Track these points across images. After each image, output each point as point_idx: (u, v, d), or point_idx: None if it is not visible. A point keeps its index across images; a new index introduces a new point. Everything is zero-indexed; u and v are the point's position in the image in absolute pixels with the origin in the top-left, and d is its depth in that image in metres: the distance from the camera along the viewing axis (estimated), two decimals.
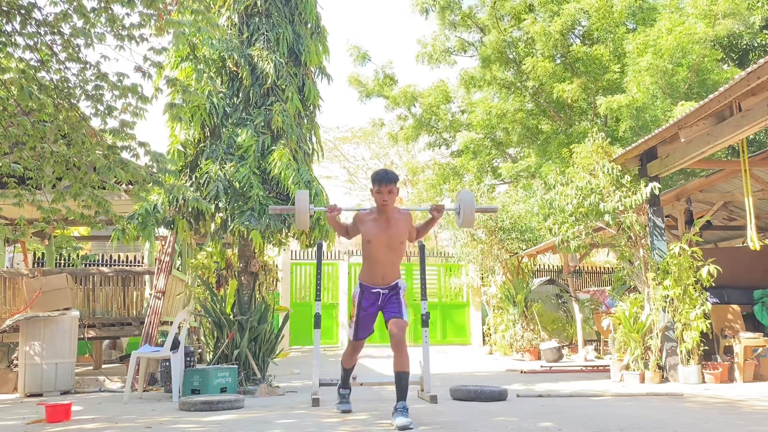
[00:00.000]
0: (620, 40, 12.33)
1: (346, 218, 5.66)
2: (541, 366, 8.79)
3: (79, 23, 4.50)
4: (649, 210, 7.03)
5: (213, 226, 6.68)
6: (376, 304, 4.22)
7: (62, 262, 13.11)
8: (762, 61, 4.84)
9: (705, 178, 8.14)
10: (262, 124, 6.57)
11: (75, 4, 4.41)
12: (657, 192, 6.82)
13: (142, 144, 5.17)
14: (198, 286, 8.42)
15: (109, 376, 7.15)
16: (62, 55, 4.79)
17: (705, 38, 10.84)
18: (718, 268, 6.33)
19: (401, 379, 3.96)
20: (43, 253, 12.40)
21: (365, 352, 7.82)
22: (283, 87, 6.68)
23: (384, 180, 4.10)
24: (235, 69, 6.78)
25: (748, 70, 5.02)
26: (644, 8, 13.15)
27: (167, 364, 6.12)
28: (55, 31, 4.61)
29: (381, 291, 4.21)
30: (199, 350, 7.73)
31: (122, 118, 5.00)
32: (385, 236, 4.16)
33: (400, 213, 4.27)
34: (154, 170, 5.44)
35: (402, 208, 4.38)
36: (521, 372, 8.15)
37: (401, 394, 3.92)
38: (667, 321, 6.62)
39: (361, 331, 4.26)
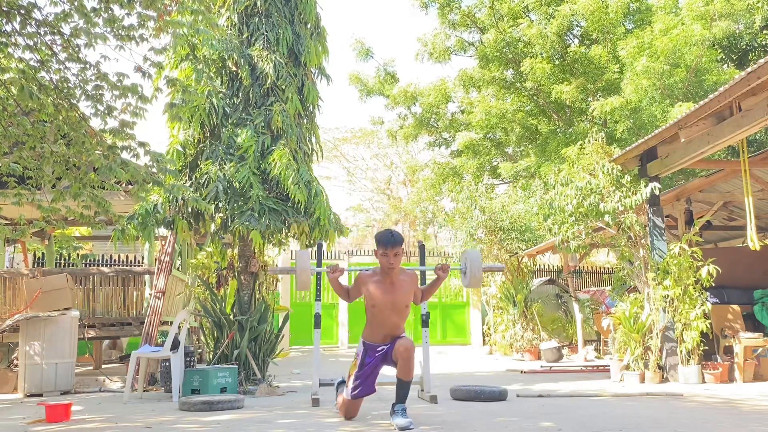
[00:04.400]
0: (618, 41, 12.33)
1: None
2: (541, 366, 8.79)
3: (80, 23, 4.50)
4: (649, 210, 7.03)
5: (213, 226, 6.68)
6: (380, 358, 4.09)
7: (62, 262, 13.11)
8: (762, 61, 4.84)
9: (705, 178, 8.14)
10: (262, 124, 6.57)
11: (76, 3, 4.40)
12: (657, 192, 6.82)
13: (141, 144, 5.17)
14: (198, 286, 8.41)
15: (109, 376, 7.15)
16: (62, 55, 4.78)
17: (702, 39, 10.83)
18: (718, 268, 6.33)
19: (403, 387, 3.92)
20: (43, 253, 12.39)
21: None
22: (283, 87, 6.68)
23: (390, 243, 3.99)
24: (234, 69, 6.78)
25: (748, 70, 5.01)
26: (641, 9, 13.14)
27: (167, 364, 6.12)
28: (55, 31, 4.60)
29: (385, 347, 4.09)
30: (199, 350, 7.73)
31: (122, 118, 4.99)
32: (390, 299, 4.03)
33: (405, 274, 4.16)
34: (154, 170, 5.44)
35: (407, 269, 4.28)
36: (521, 372, 8.14)
37: (401, 398, 3.90)
38: (667, 321, 6.62)
39: (362, 389, 4.03)
